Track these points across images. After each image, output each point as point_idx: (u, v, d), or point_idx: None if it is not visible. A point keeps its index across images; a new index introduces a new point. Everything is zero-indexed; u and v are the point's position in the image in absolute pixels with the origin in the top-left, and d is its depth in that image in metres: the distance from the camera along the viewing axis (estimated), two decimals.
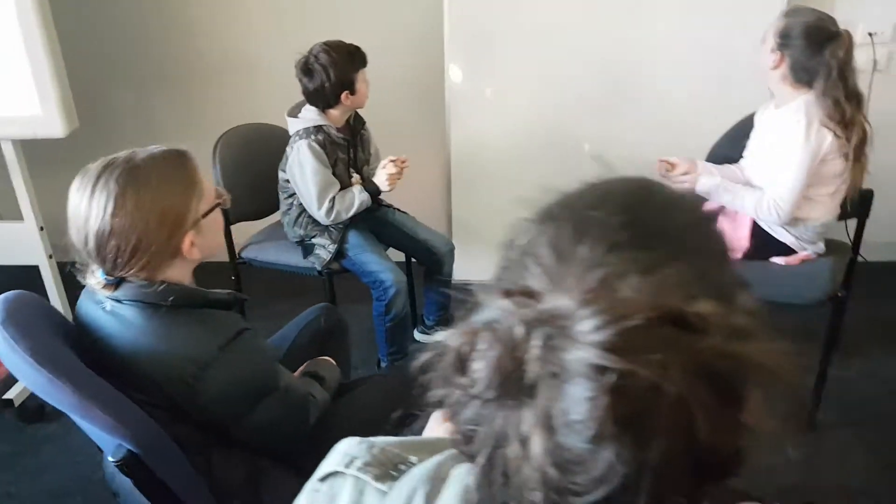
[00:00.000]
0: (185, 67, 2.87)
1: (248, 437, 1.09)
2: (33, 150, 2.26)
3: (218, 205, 1.13)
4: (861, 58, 2.58)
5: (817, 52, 1.73)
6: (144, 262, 1.02)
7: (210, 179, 1.71)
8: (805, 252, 1.92)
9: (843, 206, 1.97)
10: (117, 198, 0.98)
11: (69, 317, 1.16)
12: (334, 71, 1.95)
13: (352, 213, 2.04)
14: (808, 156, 1.76)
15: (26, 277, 2.09)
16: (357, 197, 2.03)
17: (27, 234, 2.20)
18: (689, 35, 2.47)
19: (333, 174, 2.06)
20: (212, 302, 1.09)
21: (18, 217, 2.21)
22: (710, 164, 2.09)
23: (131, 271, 1.01)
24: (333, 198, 2.03)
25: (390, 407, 1.17)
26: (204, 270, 1.12)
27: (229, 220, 2.20)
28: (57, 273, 2.28)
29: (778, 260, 1.92)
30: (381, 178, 2.01)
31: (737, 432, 0.42)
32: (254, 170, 2.22)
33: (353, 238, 2.10)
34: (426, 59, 2.68)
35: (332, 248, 2.07)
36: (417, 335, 2.52)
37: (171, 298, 1.02)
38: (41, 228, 2.22)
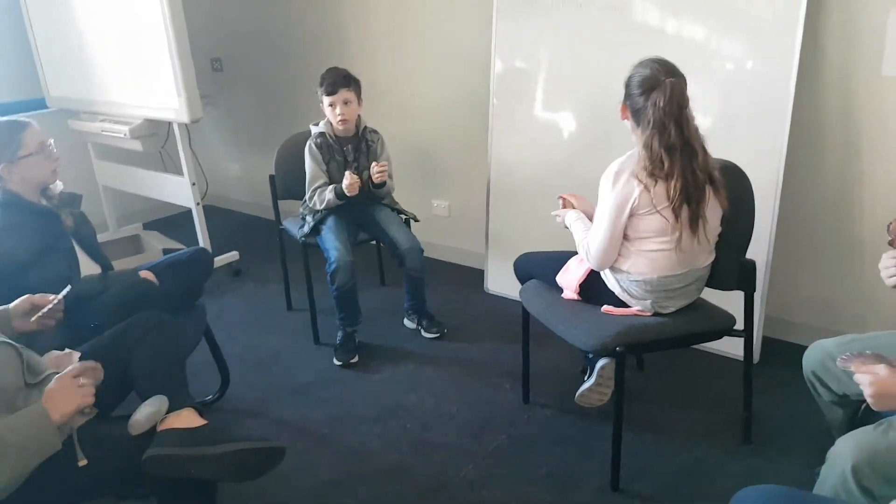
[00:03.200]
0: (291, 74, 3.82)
1: None
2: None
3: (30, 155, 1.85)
4: None
5: (644, 101, 1.72)
6: None
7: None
8: (635, 308, 1.86)
9: (721, 274, 1.85)
10: None
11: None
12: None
13: (321, 206, 2.65)
14: (612, 205, 1.77)
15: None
16: (327, 194, 2.64)
17: (184, 186, 3.37)
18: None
19: (328, 171, 2.71)
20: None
21: (179, 173, 3.41)
22: None
23: None
24: (316, 189, 2.68)
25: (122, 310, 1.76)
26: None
27: (277, 197, 3.02)
28: (202, 215, 3.42)
29: (606, 308, 1.90)
30: (344, 183, 2.58)
31: None
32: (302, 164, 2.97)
33: (330, 221, 2.70)
34: (475, 86, 3.09)
35: (311, 224, 2.72)
36: (405, 322, 2.98)
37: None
38: (193, 183, 3.38)
